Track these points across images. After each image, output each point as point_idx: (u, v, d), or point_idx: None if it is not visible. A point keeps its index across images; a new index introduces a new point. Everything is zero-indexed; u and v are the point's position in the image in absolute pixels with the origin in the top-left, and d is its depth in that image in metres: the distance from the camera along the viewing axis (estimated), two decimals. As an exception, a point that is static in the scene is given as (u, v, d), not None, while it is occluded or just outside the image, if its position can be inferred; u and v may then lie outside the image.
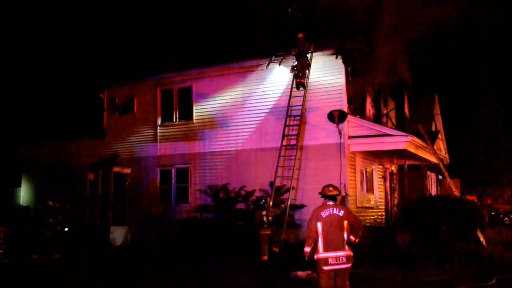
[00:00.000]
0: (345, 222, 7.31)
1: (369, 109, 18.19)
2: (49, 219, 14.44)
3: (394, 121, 20.68)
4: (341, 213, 7.38)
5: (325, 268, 7.21)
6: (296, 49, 15.63)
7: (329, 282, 7.26)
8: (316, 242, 7.30)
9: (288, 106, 15.98)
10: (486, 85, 31.76)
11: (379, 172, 18.34)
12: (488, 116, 31.34)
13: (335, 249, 7.24)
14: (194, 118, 18.03)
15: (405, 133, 15.48)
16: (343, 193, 15.03)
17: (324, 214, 7.39)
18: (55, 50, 28.76)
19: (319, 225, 7.33)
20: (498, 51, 32.86)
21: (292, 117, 15.91)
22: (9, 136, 24.76)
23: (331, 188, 7.60)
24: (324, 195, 7.57)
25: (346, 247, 7.28)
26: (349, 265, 7.28)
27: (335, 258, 7.23)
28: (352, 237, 7.32)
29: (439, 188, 22.12)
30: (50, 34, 29.18)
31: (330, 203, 7.48)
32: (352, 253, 7.31)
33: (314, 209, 7.56)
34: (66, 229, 15.27)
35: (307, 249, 7.33)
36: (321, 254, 7.26)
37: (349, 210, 7.74)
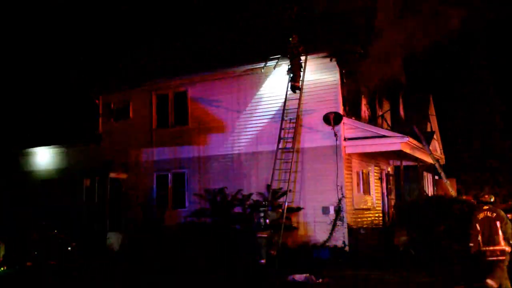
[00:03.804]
0: (498, 222, 9.11)
1: (365, 110, 18.22)
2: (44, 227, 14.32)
3: (389, 122, 20.73)
4: (494, 215, 9.24)
5: (484, 259, 9.19)
6: (290, 51, 15.67)
7: (489, 270, 9.10)
8: (477, 239, 9.28)
9: (284, 109, 15.99)
10: (484, 83, 31.74)
11: (375, 174, 18.37)
12: (485, 114, 31.32)
13: (492, 245, 9.09)
14: (190, 122, 18.02)
15: (400, 134, 15.51)
16: (339, 195, 15.08)
17: (480, 216, 9.35)
18: (50, 56, 28.70)
19: (477, 225, 9.31)
20: (498, 50, 32.94)
21: (288, 120, 15.91)
22: (4, 143, 24.65)
23: (486, 196, 9.63)
24: (481, 201, 9.62)
25: (502, 243, 9.07)
26: (504, 257, 9.07)
27: (491, 252, 9.13)
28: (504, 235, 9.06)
29: (435, 188, 22.18)
30: (45, 40, 29.12)
31: (486, 207, 9.40)
32: (506, 248, 9.06)
33: (474, 212, 9.64)
34: (64, 237, 15.21)
35: (471, 244, 9.42)
36: (481, 248, 9.21)
37: (499, 212, 9.38)
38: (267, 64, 16.47)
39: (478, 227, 9.29)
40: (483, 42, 32.00)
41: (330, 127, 15.35)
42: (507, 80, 33.39)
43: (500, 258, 9.09)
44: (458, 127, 31.15)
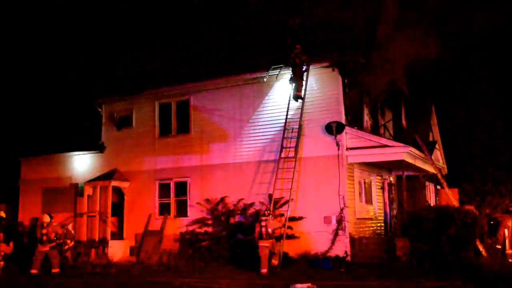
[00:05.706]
0: None
1: (367, 120, 18.24)
2: (45, 236, 14.29)
3: (391, 132, 20.73)
4: None
5: (511, 260, 10.60)
6: (293, 61, 15.74)
7: None
8: (504, 242, 10.85)
9: (286, 118, 16.04)
10: (484, 83, 31.59)
11: (377, 183, 18.35)
12: (485, 115, 31.12)
13: None
14: (193, 131, 18.06)
15: (403, 144, 15.52)
16: (341, 205, 15.06)
17: (509, 223, 10.89)
18: (53, 65, 28.85)
19: (506, 231, 10.96)
20: (498, 50, 32.76)
21: (290, 129, 15.95)
22: (7, 150, 24.73)
23: None
24: (509, 211, 11.37)
25: None
26: None
27: None
28: None
29: (437, 198, 22.11)
30: (48, 49, 29.30)
31: None
32: None
33: (504, 220, 11.32)
34: (65, 244, 15.21)
35: (499, 247, 11.22)
36: (509, 251, 10.90)
37: None
38: (270, 73, 16.54)
39: (507, 233, 10.80)
40: (483, 42, 31.81)
41: (333, 137, 15.38)
42: (507, 80, 33.09)
43: None
44: (458, 127, 30.96)
